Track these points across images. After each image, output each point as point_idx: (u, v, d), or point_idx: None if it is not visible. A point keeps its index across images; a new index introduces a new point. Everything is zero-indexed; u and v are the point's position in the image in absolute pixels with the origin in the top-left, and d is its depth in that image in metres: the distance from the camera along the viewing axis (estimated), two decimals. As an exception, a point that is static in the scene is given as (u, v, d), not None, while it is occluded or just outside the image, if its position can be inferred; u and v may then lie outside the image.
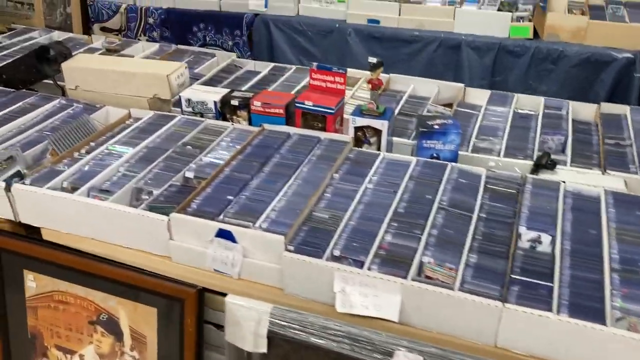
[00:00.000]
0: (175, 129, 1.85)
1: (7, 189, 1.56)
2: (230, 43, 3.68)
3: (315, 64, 1.88)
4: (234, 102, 1.92)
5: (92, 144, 1.80)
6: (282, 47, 3.61)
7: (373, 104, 1.78)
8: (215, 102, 1.92)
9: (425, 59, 3.33)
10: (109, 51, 2.63)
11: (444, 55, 3.29)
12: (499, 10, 3.28)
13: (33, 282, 1.64)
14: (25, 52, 2.54)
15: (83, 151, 1.76)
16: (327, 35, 3.50)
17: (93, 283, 1.55)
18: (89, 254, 1.54)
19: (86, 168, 1.65)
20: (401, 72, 3.43)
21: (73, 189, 1.57)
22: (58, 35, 2.92)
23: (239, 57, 3.64)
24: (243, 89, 2.27)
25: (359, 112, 1.80)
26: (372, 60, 1.74)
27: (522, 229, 1.36)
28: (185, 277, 1.43)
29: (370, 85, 1.81)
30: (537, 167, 1.72)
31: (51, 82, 2.24)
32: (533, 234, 1.35)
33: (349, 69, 2.34)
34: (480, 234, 1.36)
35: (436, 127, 1.71)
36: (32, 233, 1.65)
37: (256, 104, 1.87)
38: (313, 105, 1.80)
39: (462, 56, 3.26)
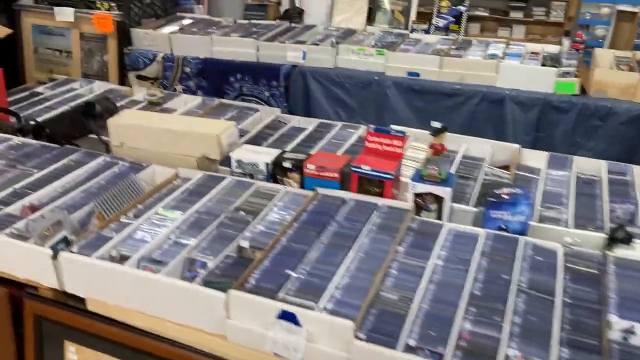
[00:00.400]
0: (226, 192, 1.77)
1: (54, 256, 1.49)
2: (266, 94, 3.65)
3: (372, 126, 1.81)
4: (287, 165, 1.84)
5: (140, 206, 1.72)
6: (319, 98, 3.57)
7: (435, 170, 1.69)
8: (267, 164, 1.85)
9: (467, 113, 3.26)
10: (151, 104, 2.59)
11: (486, 109, 3.22)
12: (542, 65, 3.22)
13: (74, 355, 1.55)
14: (69, 105, 2.53)
15: (131, 214, 1.68)
16: (365, 87, 3.45)
17: (139, 359, 1.45)
18: (136, 328, 1.45)
19: (135, 235, 1.58)
20: (442, 126, 3.39)
21: (122, 258, 1.49)
22: (98, 87, 2.91)
23: (273, 107, 3.66)
24: (289, 146, 2.20)
25: (419, 177, 1.71)
26: (436, 124, 1.67)
27: (613, 318, 1.24)
28: (241, 359, 1.33)
29: (432, 150, 1.73)
30: (611, 241, 1.60)
31: (95, 136, 2.19)
32: (625, 324, 1.23)
33: (392, 126, 2.28)
34: (567, 322, 1.24)
35: (505, 197, 1.61)
36: (74, 301, 1.56)
37: (310, 167, 1.79)
38: (371, 170, 1.72)
39: (505, 110, 3.18)
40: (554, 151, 3.07)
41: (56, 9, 3.85)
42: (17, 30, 3.91)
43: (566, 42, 3.54)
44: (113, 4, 3.89)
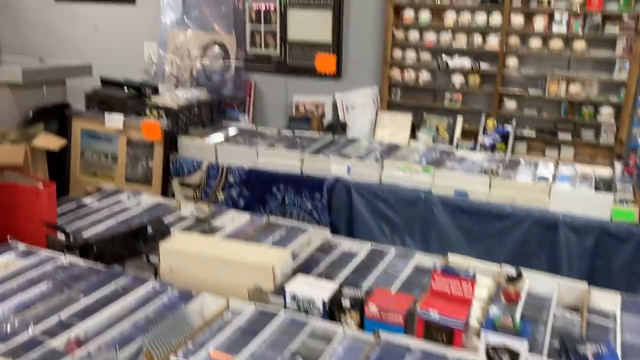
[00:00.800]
0: (280, 332, 1.66)
1: (100, 406, 1.37)
2: (309, 205, 3.60)
3: (439, 265, 1.71)
4: (345, 303, 1.73)
5: (190, 345, 1.62)
6: (362, 212, 3.49)
7: (509, 319, 1.57)
8: (323, 302, 1.75)
9: (519, 236, 3.13)
10: (199, 221, 2.54)
11: (538, 234, 3.10)
12: (596, 189, 3.12)
13: None
14: (115, 219, 2.50)
15: (180, 354, 1.57)
16: (411, 204, 3.37)
17: None
18: None
19: (186, 381, 1.46)
20: (492, 248, 3.24)
21: (172, 411, 1.37)
22: (145, 200, 2.89)
23: (315, 218, 3.60)
24: (342, 275, 2.11)
25: (492, 325, 1.58)
26: (512, 272, 1.56)
27: None
28: None
29: (504, 297, 1.61)
30: None
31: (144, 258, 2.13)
32: None
33: (450, 258, 2.17)
34: None
35: (590, 356, 1.46)
36: None
37: (372, 309, 1.68)
38: (440, 317, 1.60)
39: (558, 236, 3.05)
40: (613, 281, 2.90)
41: (107, 115, 3.95)
42: (68, 135, 4.01)
43: (618, 166, 3.45)
44: (162, 112, 3.98)
